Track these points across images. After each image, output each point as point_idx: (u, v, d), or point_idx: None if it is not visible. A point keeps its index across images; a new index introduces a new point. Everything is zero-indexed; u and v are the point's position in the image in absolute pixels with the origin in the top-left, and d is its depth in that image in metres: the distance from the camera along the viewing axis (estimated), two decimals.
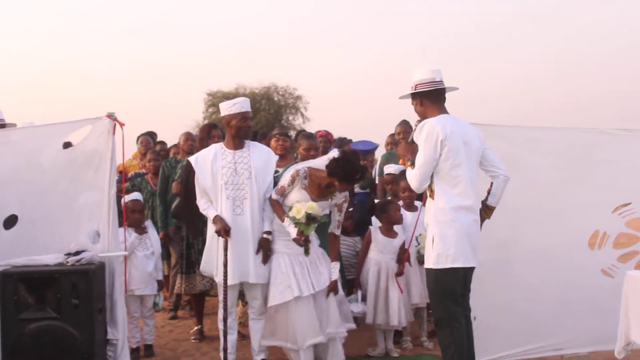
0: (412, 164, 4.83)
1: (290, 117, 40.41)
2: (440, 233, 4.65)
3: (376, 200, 7.14)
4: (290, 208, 5.45)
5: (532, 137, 5.63)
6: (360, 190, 8.64)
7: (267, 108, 39.60)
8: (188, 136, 8.21)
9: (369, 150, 9.48)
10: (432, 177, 4.72)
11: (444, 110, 4.83)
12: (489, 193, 4.87)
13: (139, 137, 9.62)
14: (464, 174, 4.66)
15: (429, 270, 4.74)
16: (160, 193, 7.63)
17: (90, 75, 53.35)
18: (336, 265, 5.74)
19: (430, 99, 4.83)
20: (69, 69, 54.51)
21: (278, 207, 5.66)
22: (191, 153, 7.79)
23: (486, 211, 4.87)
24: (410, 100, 4.95)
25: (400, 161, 5.09)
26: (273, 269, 5.58)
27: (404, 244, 6.30)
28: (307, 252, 5.51)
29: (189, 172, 6.40)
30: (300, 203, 5.42)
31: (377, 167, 7.84)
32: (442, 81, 4.84)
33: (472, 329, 4.82)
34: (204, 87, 50.00)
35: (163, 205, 7.61)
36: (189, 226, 6.69)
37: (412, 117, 8.02)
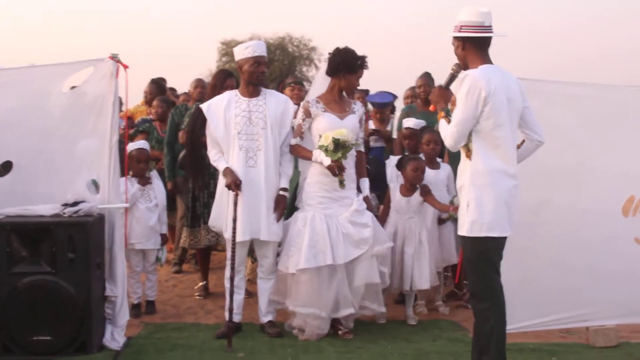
0: (446, 114, 4.38)
1: (304, 69, 39.91)
2: (476, 198, 4.18)
3: (393, 157, 6.76)
4: (319, 137, 5.19)
5: (570, 93, 5.21)
6: (375, 144, 8.29)
7: (281, 59, 39.14)
8: (198, 83, 7.82)
9: (387, 103, 9.06)
10: (470, 135, 4.23)
11: (487, 60, 4.28)
12: (518, 148, 4.43)
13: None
14: (506, 135, 4.18)
15: (464, 238, 4.29)
16: (169, 142, 7.25)
17: (102, 20, 52.69)
18: (366, 181, 5.54)
19: (475, 45, 4.26)
20: (78, 10, 53.83)
21: (301, 149, 5.38)
22: (201, 101, 7.43)
23: None
24: (451, 40, 4.40)
25: (431, 107, 4.59)
26: (308, 227, 5.23)
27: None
28: (342, 183, 5.21)
29: (196, 120, 6.04)
30: (329, 131, 5.15)
31: (395, 120, 7.43)
32: (491, 26, 4.27)
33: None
34: (218, 35, 49.28)
35: (171, 154, 7.25)
36: (194, 178, 6.34)
37: (433, 69, 7.71)
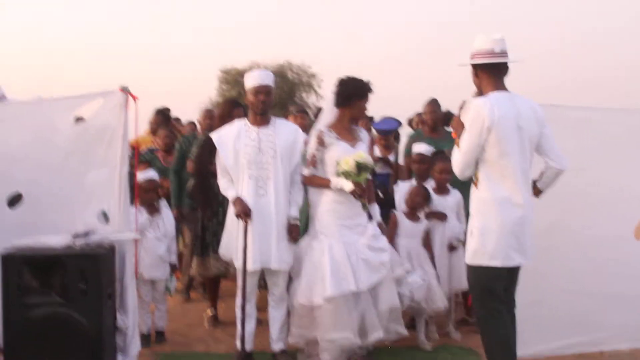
0: None
1: (304, 95, 40.00)
2: (479, 227, 4.23)
3: (400, 182, 6.77)
4: (338, 164, 5.19)
5: (582, 117, 5.23)
6: (381, 171, 8.29)
7: (280, 85, 39.21)
8: (207, 114, 7.81)
9: (392, 129, 9.08)
10: (478, 163, 4.26)
11: (500, 86, 4.30)
12: (541, 175, 4.44)
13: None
14: (514, 165, 4.17)
15: (467, 266, 4.35)
16: (175, 170, 7.29)
17: (100, 52, 52.96)
18: (376, 207, 5.58)
19: (487, 72, 4.30)
20: (76, 47, 54.15)
21: (317, 179, 5.37)
22: (210, 131, 7.46)
23: (534, 191, 4.44)
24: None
25: (453, 134, 4.59)
26: (328, 256, 5.20)
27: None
28: (365, 206, 5.25)
29: (204, 149, 6.06)
30: (347, 156, 5.17)
31: (402, 146, 7.44)
32: (503, 53, 4.28)
33: (515, 325, 4.42)
34: (218, 63, 49.52)
35: (177, 182, 7.28)
36: (203, 207, 6.35)
37: (437, 95, 7.74)
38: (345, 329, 5.15)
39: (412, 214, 5.99)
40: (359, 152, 5.21)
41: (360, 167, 5.10)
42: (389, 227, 6.09)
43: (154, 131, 8.77)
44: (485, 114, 4.12)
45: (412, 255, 5.88)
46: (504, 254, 4.19)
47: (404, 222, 5.93)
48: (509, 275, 4.28)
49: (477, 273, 4.25)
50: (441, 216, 6.08)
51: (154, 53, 55.96)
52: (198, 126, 9.46)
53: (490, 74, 4.29)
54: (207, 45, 54.67)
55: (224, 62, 40.11)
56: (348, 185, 5.14)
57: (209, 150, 5.79)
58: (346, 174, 5.14)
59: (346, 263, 5.18)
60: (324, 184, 5.32)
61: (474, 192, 4.38)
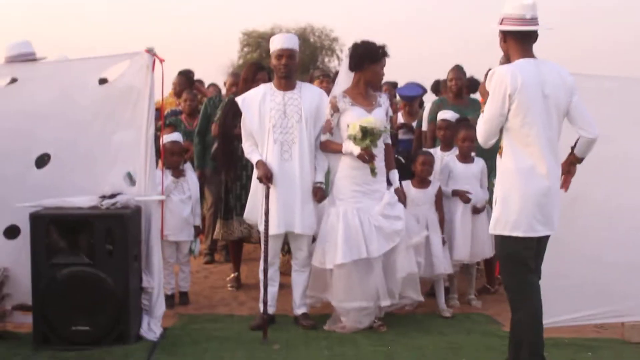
0: None
1: (326, 59, 39.77)
2: (503, 196, 4.14)
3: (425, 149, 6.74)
4: (348, 128, 5.20)
5: (605, 87, 5.16)
6: (404, 137, 8.27)
7: (302, 49, 38.89)
8: (234, 79, 7.68)
9: (416, 95, 9.03)
10: (501, 132, 4.17)
11: (528, 54, 4.16)
12: (576, 142, 4.34)
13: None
14: (538, 133, 4.05)
15: (494, 236, 4.30)
16: (200, 132, 7.32)
17: (122, 12, 52.85)
18: (395, 173, 5.54)
19: (516, 38, 4.15)
20: (97, 9, 54.00)
21: (331, 144, 5.38)
22: (235, 94, 7.45)
23: (573, 159, 4.38)
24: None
25: (481, 100, 4.53)
26: (342, 222, 5.23)
27: (440, 190, 6.01)
28: (373, 172, 5.23)
29: (228, 112, 6.07)
30: (356, 120, 5.16)
31: (426, 113, 7.39)
32: (533, 19, 4.12)
33: (540, 296, 4.40)
34: (240, 26, 49.26)
35: (202, 144, 7.31)
36: (227, 170, 6.38)
37: (463, 61, 7.66)
38: (356, 298, 5.22)
39: (420, 182, 5.98)
40: (366, 117, 5.18)
41: (366, 131, 5.07)
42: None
43: (177, 93, 8.78)
44: (507, 81, 4.01)
45: (420, 222, 5.85)
46: (527, 224, 4.09)
47: (410, 192, 5.91)
48: (537, 246, 4.24)
49: (503, 243, 4.19)
50: (465, 198, 6.05)
51: (175, 14, 55.76)
52: (223, 89, 9.47)
53: (519, 41, 4.15)
54: (228, 7, 54.37)
55: (246, 24, 39.90)
56: (356, 150, 5.14)
57: (233, 113, 5.79)
58: (352, 138, 5.13)
59: (359, 230, 5.20)
60: (337, 149, 5.33)
61: (499, 161, 4.30)
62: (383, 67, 5.42)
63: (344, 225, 5.21)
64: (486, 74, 4.51)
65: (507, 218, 4.11)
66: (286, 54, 5.36)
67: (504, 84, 4.01)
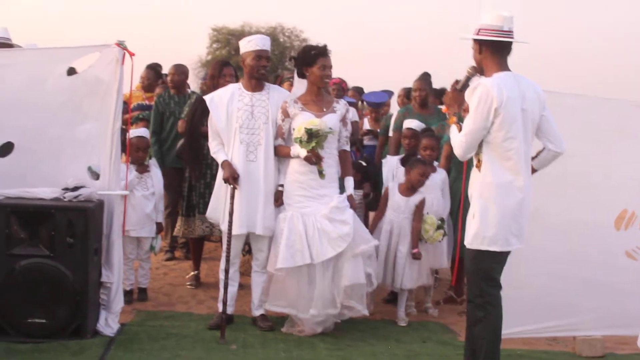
0: (458, 119, 4.29)
1: None
2: (481, 210, 4.14)
3: (390, 157, 6.80)
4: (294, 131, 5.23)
5: (570, 104, 5.23)
6: (369, 143, 8.34)
7: (272, 49, 38.73)
8: (177, 69, 7.67)
9: (382, 102, 9.12)
10: (480, 145, 4.16)
11: (504, 67, 4.19)
12: (537, 155, 4.37)
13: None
14: (518, 147, 4.08)
15: (467, 249, 4.28)
16: (155, 131, 7.26)
17: (90, 7, 52.10)
18: (350, 180, 5.51)
19: (492, 49, 4.16)
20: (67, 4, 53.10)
21: (283, 148, 5.39)
22: (178, 88, 7.43)
23: None
24: (471, 42, 4.30)
25: (444, 109, 4.53)
26: (286, 227, 5.24)
27: (423, 201, 5.95)
28: (321, 173, 5.23)
29: (196, 110, 6.07)
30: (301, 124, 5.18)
31: (392, 121, 7.46)
32: (511, 31, 4.16)
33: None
34: (209, 22, 48.90)
35: (157, 144, 7.27)
36: (192, 168, 6.35)
37: (428, 68, 7.72)
38: (290, 305, 5.27)
39: (408, 189, 5.97)
40: (311, 119, 5.20)
41: (311, 133, 5.09)
42: (380, 200, 6.12)
43: (145, 87, 8.72)
44: (494, 95, 4.01)
45: (394, 229, 5.91)
46: (503, 238, 4.13)
47: (394, 196, 5.95)
48: (503, 261, 4.29)
49: (476, 256, 4.20)
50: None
51: (144, 10, 55.17)
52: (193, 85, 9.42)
53: (496, 52, 4.15)
54: (198, 3, 53.92)
55: (215, 20, 39.55)
56: (303, 152, 5.17)
57: (201, 111, 5.80)
58: (298, 141, 5.16)
59: (302, 235, 5.19)
60: (286, 152, 5.35)
61: (475, 174, 4.27)
62: (326, 66, 5.33)
63: (287, 230, 5.22)
64: (454, 84, 4.52)
65: (485, 233, 4.13)
66: (265, 55, 5.40)
67: (490, 98, 4.01)
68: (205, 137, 5.67)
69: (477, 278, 4.24)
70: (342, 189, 5.51)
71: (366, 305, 5.46)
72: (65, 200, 4.82)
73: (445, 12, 49.43)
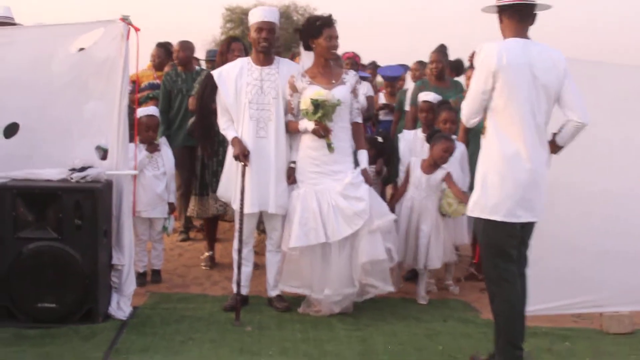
0: None
1: None
2: (482, 179, 4.01)
3: (406, 131, 6.61)
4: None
5: (589, 73, 5.01)
6: (385, 118, 8.15)
7: (285, 27, 38.54)
8: (183, 45, 7.48)
9: (398, 76, 8.92)
10: (486, 111, 4.04)
11: (521, 33, 4.00)
12: (560, 129, 4.18)
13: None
14: (524, 115, 3.91)
15: (476, 219, 4.13)
16: (163, 110, 7.09)
17: None
18: (364, 153, 5.31)
19: (510, 16, 3.99)
20: None
21: (292, 123, 5.21)
22: (184, 65, 7.25)
23: (552, 146, 4.18)
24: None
25: (467, 83, 4.43)
26: (300, 205, 5.07)
27: (449, 175, 5.73)
28: (330, 146, 5.04)
29: (206, 86, 5.90)
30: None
31: (408, 94, 7.27)
32: None
33: (525, 286, 4.25)
34: (222, 1, 48.61)
35: (165, 123, 7.10)
36: (203, 146, 6.20)
37: (447, 42, 7.52)
38: (304, 285, 5.13)
39: (430, 166, 5.75)
40: (318, 90, 5.02)
41: (317, 104, 4.92)
42: (403, 176, 5.94)
43: (156, 65, 8.56)
44: (492, 59, 3.88)
45: (414, 207, 5.72)
46: (506, 209, 3.95)
47: (415, 172, 5.76)
48: (520, 233, 4.11)
49: (484, 229, 4.05)
50: None
51: None
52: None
53: (515, 19, 3.98)
54: None
55: (229, 0, 39.36)
56: (310, 125, 5.01)
57: (210, 87, 5.63)
58: (304, 113, 5.00)
59: (316, 213, 5.03)
60: (295, 128, 5.19)
61: (482, 141, 4.16)
62: (332, 37, 5.15)
63: (301, 208, 5.06)
64: (471, 57, 4.39)
65: (486, 202, 4.00)
66: (266, 27, 5.19)
67: (488, 61, 3.91)
68: (216, 114, 5.50)
69: (488, 252, 4.09)
70: (356, 163, 5.33)
71: (391, 282, 5.31)
72: (72, 181, 4.68)
73: None
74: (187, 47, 7.51)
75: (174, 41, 8.49)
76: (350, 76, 5.31)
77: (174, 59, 8.07)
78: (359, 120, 5.38)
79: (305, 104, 5.00)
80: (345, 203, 5.04)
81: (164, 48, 8.74)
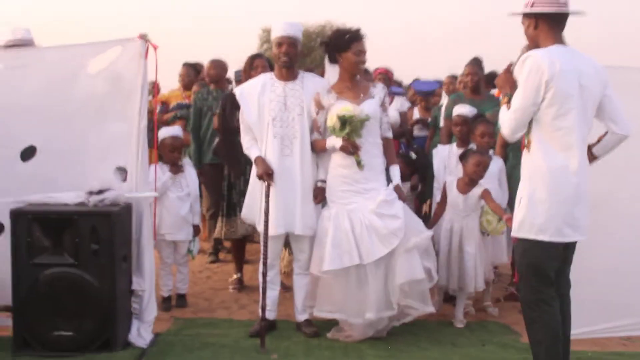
0: (509, 101, 3.89)
1: None
2: (529, 196, 3.76)
3: (441, 146, 6.35)
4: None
5: (636, 80, 4.75)
6: (419, 133, 7.90)
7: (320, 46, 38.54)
8: (214, 63, 7.32)
9: (432, 90, 8.68)
10: (530, 124, 3.79)
11: (559, 40, 3.82)
12: (599, 140, 3.96)
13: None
14: (573, 127, 3.68)
15: (517, 239, 3.90)
16: (193, 128, 6.99)
17: (146, 9, 52.87)
18: (396, 168, 5.06)
19: (548, 23, 3.80)
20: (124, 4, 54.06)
21: (319, 142, 4.98)
22: (216, 83, 7.13)
23: (589, 156, 3.95)
24: (521, 19, 3.96)
25: (497, 93, 4.23)
26: (332, 226, 4.83)
27: (486, 192, 5.43)
28: (359, 164, 4.78)
29: (226, 104, 5.76)
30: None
31: (442, 109, 7.02)
32: (566, 3, 3.83)
33: (569, 309, 4.00)
34: (260, 23, 48.98)
35: (196, 141, 6.98)
36: (229, 165, 6.03)
37: (474, 57, 7.24)
38: (340, 310, 4.86)
39: (466, 184, 5.47)
40: (344, 105, 4.79)
41: (344, 120, 4.68)
42: (441, 196, 5.67)
43: (184, 85, 8.45)
44: (545, 67, 3.65)
45: (454, 228, 5.44)
46: (554, 228, 3.73)
47: (451, 192, 5.49)
48: (563, 254, 3.84)
49: (526, 250, 3.82)
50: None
51: (196, 9, 55.68)
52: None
53: (552, 25, 3.80)
54: (250, 4, 54.14)
55: (266, 21, 39.57)
56: (338, 142, 4.77)
57: (230, 105, 5.47)
58: (332, 130, 4.76)
59: (349, 234, 4.78)
60: (322, 146, 4.95)
61: (525, 156, 3.92)
62: (360, 52, 4.93)
63: (333, 229, 4.81)
64: (508, 67, 4.15)
65: (533, 220, 3.75)
66: (286, 42, 4.99)
67: (541, 70, 3.65)
68: (239, 132, 5.33)
69: (528, 274, 3.83)
70: (388, 179, 5.08)
71: (431, 303, 5.02)
72: (89, 204, 4.53)
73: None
74: (218, 65, 7.37)
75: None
76: (379, 89, 5.08)
77: (203, 78, 7.96)
78: (389, 135, 5.13)
79: (331, 120, 4.78)
80: (379, 222, 4.78)
81: (192, 67, 8.64)
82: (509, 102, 3.87)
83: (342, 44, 4.93)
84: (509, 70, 4.08)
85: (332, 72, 5.07)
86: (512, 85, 3.95)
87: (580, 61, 3.75)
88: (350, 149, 4.75)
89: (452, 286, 5.46)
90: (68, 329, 4.40)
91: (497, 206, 5.34)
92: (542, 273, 3.78)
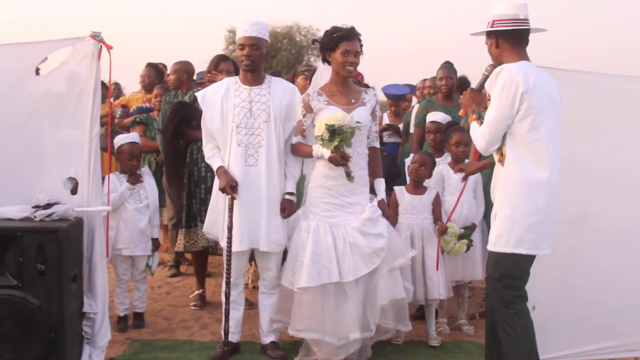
0: (477, 117, 3.92)
1: (312, 59, 39.22)
2: (505, 210, 3.78)
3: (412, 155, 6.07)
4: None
5: (623, 88, 4.53)
6: (389, 140, 7.62)
7: (288, 48, 38.44)
8: (173, 68, 6.81)
9: (403, 95, 8.40)
10: (504, 138, 3.80)
11: (524, 57, 3.88)
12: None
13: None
14: (546, 139, 3.73)
15: (489, 252, 3.92)
16: (161, 131, 6.62)
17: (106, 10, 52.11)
18: (381, 182, 4.77)
19: (510, 40, 3.87)
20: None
21: (302, 147, 4.65)
22: (181, 86, 6.78)
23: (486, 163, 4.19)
24: (485, 39, 4.01)
25: (461, 112, 4.19)
26: (311, 239, 4.51)
27: (437, 197, 5.27)
28: (349, 175, 4.46)
29: (177, 110, 5.54)
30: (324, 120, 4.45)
31: (413, 115, 6.75)
32: (527, 19, 3.89)
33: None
34: (225, 23, 48.63)
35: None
36: (170, 178, 5.93)
37: (446, 61, 6.99)
38: (316, 329, 4.52)
39: (415, 187, 5.28)
40: (334, 114, 4.47)
41: (334, 130, 4.35)
42: (390, 208, 5.38)
43: (145, 86, 8.06)
44: (519, 80, 3.68)
45: (415, 234, 5.19)
46: (530, 241, 3.75)
47: (403, 198, 5.25)
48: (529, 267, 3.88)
49: (499, 260, 3.82)
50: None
51: (161, 10, 55.03)
52: None
53: (514, 43, 3.88)
54: (216, 5, 53.68)
55: (232, 21, 39.28)
56: (326, 153, 4.43)
57: (182, 110, 5.23)
58: (320, 140, 4.44)
59: (330, 249, 4.48)
60: (308, 152, 4.61)
61: (499, 170, 3.91)
62: (349, 52, 4.53)
63: (313, 243, 4.50)
64: (470, 89, 4.12)
65: (510, 233, 3.76)
66: (249, 43, 4.63)
67: (515, 82, 3.69)
68: (188, 140, 5.14)
69: (500, 287, 3.84)
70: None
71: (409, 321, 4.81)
72: (35, 220, 4.14)
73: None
74: (179, 68, 6.93)
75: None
76: (370, 96, 4.75)
77: (166, 81, 7.58)
78: (377, 145, 4.83)
79: (319, 129, 4.42)
80: (363, 241, 4.50)
81: (154, 68, 8.26)
82: (478, 118, 3.90)
83: (331, 42, 4.58)
84: (472, 89, 4.14)
85: (326, 72, 4.75)
86: (478, 103, 4.02)
87: (544, 76, 3.84)
88: (340, 160, 4.42)
89: (418, 296, 5.17)
90: (11, 357, 4.01)
91: (440, 215, 5.23)
92: (515, 286, 3.83)
